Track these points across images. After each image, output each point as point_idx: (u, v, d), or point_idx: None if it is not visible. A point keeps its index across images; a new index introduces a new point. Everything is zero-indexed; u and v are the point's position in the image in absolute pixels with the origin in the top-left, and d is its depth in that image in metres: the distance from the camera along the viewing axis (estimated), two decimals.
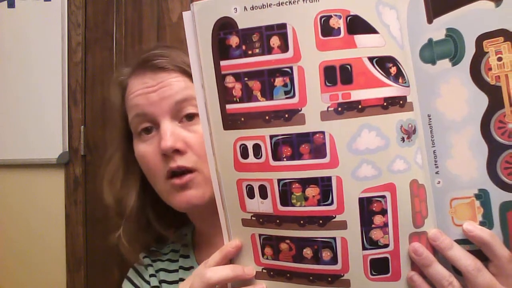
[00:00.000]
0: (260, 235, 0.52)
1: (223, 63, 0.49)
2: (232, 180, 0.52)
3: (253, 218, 0.52)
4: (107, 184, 0.81)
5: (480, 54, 0.46)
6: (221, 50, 0.49)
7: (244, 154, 0.50)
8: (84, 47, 1.43)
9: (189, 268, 0.78)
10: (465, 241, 0.48)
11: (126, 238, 0.78)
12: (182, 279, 0.76)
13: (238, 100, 0.49)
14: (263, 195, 0.50)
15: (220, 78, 0.50)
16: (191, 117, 0.71)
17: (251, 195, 0.51)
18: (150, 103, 0.71)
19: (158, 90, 0.71)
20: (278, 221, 0.50)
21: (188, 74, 0.72)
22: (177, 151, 0.68)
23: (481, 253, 0.47)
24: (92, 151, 1.41)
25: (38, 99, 1.44)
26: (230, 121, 0.50)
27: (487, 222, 0.48)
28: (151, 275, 0.79)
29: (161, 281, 0.78)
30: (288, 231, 0.50)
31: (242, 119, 0.49)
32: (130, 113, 0.74)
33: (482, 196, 0.48)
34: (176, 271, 0.79)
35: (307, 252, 0.50)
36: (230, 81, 0.49)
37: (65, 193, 1.42)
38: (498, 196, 0.47)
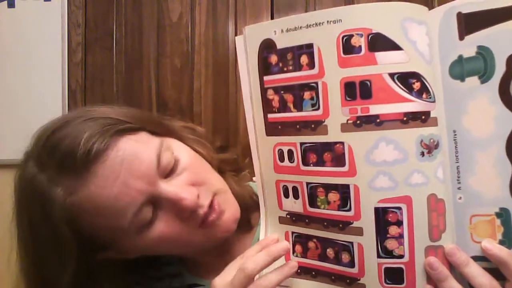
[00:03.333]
0: (292, 232, 0.58)
1: (265, 78, 0.56)
2: (272, 180, 0.58)
3: (287, 216, 0.57)
4: None
5: (510, 73, 0.46)
6: (264, 67, 0.55)
7: (281, 158, 0.56)
8: (84, 47, 1.45)
9: (177, 275, 0.74)
10: (482, 258, 0.47)
11: None
12: (170, 287, 0.73)
13: (276, 110, 0.55)
14: (296, 195, 0.56)
15: (263, 91, 0.56)
16: (172, 169, 0.60)
17: (286, 194, 0.57)
18: (137, 189, 0.56)
19: (127, 172, 0.56)
20: (307, 220, 0.55)
21: (130, 129, 0.59)
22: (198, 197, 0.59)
23: (498, 271, 0.46)
24: None
25: (38, 99, 1.45)
26: (271, 129, 0.56)
27: (506, 241, 0.47)
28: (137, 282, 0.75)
29: None
30: (314, 230, 0.55)
31: (279, 127, 0.55)
32: (119, 219, 0.57)
33: (503, 215, 0.47)
34: (163, 278, 0.75)
35: (330, 252, 0.54)
36: (270, 94, 0.55)
37: None
38: None
